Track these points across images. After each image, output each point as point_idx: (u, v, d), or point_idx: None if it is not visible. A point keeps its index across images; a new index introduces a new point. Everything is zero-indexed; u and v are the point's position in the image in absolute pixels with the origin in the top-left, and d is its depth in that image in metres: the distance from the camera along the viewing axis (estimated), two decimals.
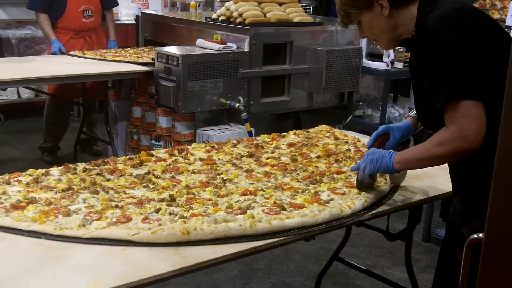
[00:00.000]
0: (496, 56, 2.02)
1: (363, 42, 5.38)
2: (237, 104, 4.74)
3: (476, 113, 2.00)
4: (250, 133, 4.70)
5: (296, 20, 5.14)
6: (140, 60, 5.15)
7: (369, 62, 5.34)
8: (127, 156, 2.94)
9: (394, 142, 2.59)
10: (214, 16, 5.23)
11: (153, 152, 3.02)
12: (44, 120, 5.86)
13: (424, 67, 2.15)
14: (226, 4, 5.14)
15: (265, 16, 5.01)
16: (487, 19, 2.13)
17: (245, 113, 4.73)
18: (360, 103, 5.65)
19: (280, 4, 5.22)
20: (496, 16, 5.83)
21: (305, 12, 5.58)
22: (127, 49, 5.73)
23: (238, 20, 4.93)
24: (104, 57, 5.28)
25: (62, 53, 5.49)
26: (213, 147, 3.13)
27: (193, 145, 3.17)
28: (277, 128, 5.54)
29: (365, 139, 3.26)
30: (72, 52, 5.44)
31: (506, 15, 5.64)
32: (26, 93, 7.06)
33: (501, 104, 1.73)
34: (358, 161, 2.50)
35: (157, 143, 5.07)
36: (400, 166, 2.31)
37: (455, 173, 2.31)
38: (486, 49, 2.03)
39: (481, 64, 2.01)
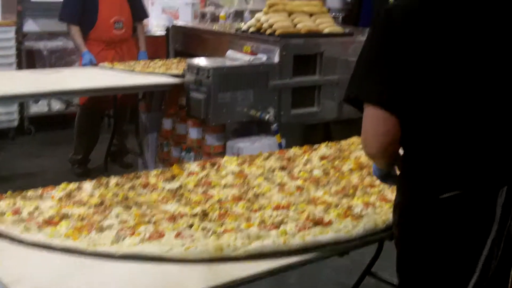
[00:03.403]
0: (433, 65, 1.87)
1: None
2: (267, 115, 4.72)
3: (376, 117, 1.91)
4: (280, 145, 4.68)
5: (326, 31, 5.11)
6: (169, 72, 5.16)
7: None
8: (159, 170, 2.94)
9: None
10: (244, 27, 5.22)
11: (185, 166, 3.01)
12: (74, 132, 5.89)
13: None
14: (256, 15, 5.13)
15: (295, 27, 4.99)
16: (432, 24, 1.89)
17: (275, 125, 4.71)
18: None
19: (310, 15, 5.20)
20: None
21: (334, 21, 5.56)
22: (156, 60, 5.74)
23: (268, 31, 4.92)
24: (134, 68, 5.30)
25: (93, 64, 5.52)
26: (245, 160, 3.12)
27: (225, 158, 3.17)
28: (307, 139, 5.50)
29: None
30: (101, 64, 5.47)
31: None
32: (56, 105, 7.11)
33: (431, 112, 1.86)
34: None
35: (188, 154, 5.06)
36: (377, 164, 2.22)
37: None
38: (406, 53, 1.87)
39: (396, 70, 1.88)
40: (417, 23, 1.88)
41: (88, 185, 2.69)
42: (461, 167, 1.93)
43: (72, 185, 2.67)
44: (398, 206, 2.08)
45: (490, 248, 1.93)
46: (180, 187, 2.68)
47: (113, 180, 2.75)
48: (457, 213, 1.93)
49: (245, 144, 4.67)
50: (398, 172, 2.17)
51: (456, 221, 1.94)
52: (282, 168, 3.00)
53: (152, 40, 6.72)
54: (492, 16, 1.92)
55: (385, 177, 2.24)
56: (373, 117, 1.93)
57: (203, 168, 2.97)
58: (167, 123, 5.32)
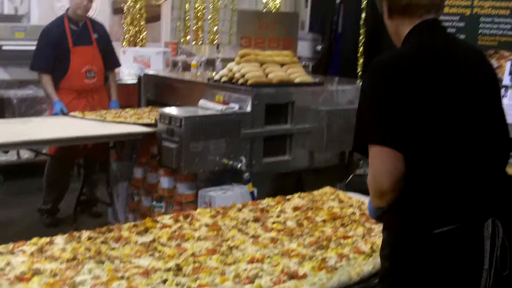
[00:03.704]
0: (422, 110, 2.06)
1: None
2: (239, 164, 4.72)
3: (384, 155, 2.07)
4: (252, 194, 4.67)
5: (297, 80, 5.16)
6: (140, 121, 5.15)
7: None
8: (132, 223, 2.91)
9: None
10: (216, 76, 5.25)
11: (158, 218, 2.99)
12: (44, 181, 5.82)
13: None
14: (228, 65, 5.17)
15: (267, 76, 5.04)
16: (423, 73, 2.11)
17: (247, 174, 4.71)
18: (361, 162, 5.64)
19: (282, 65, 5.25)
20: None
21: (305, 69, 5.62)
22: (127, 109, 5.73)
23: (241, 80, 4.95)
24: (105, 118, 5.28)
25: (64, 114, 5.50)
26: (218, 212, 3.11)
27: (198, 210, 3.16)
28: (278, 187, 5.51)
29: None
30: (72, 113, 5.44)
31: (502, 74, 5.70)
32: (26, 154, 7.04)
33: (426, 155, 2.05)
34: None
35: (159, 204, 5.03)
36: (373, 204, 2.29)
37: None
38: (398, 99, 2.06)
39: (392, 113, 2.06)
40: (408, 74, 2.09)
41: (60, 239, 2.65)
42: (450, 203, 2.09)
43: (44, 240, 2.63)
44: (390, 241, 2.18)
45: (486, 279, 2.07)
46: (153, 240, 2.66)
47: (85, 234, 2.72)
48: (450, 247, 2.06)
49: (217, 193, 4.65)
50: None
51: (449, 255, 2.06)
52: (256, 220, 3.00)
53: (124, 89, 6.72)
54: (466, 69, 2.18)
55: (381, 216, 2.32)
56: (384, 156, 2.07)
57: (176, 220, 2.96)
58: (138, 172, 5.29)
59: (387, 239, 2.20)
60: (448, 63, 2.15)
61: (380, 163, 2.08)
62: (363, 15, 7.75)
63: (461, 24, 6.11)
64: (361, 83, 2.20)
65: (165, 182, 4.93)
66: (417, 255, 2.08)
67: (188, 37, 10.33)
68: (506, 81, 5.45)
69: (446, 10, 6.11)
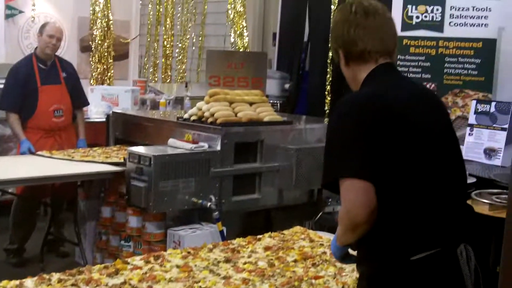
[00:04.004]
0: (388, 145, 2.14)
1: None
2: (208, 203, 4.72)
3: (358, 187, 2.10)
4: (221, 233, 4.66)
5: (266, 119, 5.20)
6: (108, 160, 5.14)
7: None
8: (102, 265, 2.89)
9: None
10: (185, 115, 5.27)
11: (129, 260, 2.97)
12: (10, 221, 5.76)
13: None
14: (198, 104, 5.19)
15: (236, 115, 5.07)
16: (390, 111, 2.20)
17: (216, 212, 4.71)
18: (330, 200, 5.67)
19: (251, 104, 5.30)
20: (458, 113, 6.00)
21: (273, 107, 5.66)
22: (95, 148, 5.72)
23: (210, 119, 4.98)
24: (72, 157, 5.26)
25: (31, 153, 5.46)
26: (189, 252, 3.10)
27: (169, 251, 3.15)
28: (247, 226, 5.51)
29: None
30: (39, 152, 5.41)
31: (467, 112, 5.81)
32: None
33: (397, 187, 2.12)
34: None
35: (127, 243, 4.99)
36: (339, 243, 2.33)
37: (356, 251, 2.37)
38: (365, 136, 2.13)
39: (361, 148, 2.13)
40: (373, 112, 2.17)
41: (29, 282, 2.62)
42: (424, 230, 2.16)
43: (13, 282, 2.60)
44: (366, 274, 2.24)
45: None
46: (124, 282, 2.65)
47: (55, 276, 2.69)
48: (428, 272, 2.13)
49: (186, 233, 4.63)
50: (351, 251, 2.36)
51: (428, 281, 2.14)
52: (227, 260, 3.00)
53: (92, 127, 6.70)
54: (424, 107, 2.32)
55: (345, 256, 2.40)
56: (358, 189, 2.10)
57: (147, 262, 2.94)
58: (106, 211, 5.25)
59: (363, 272, 2.25)
60: (408, 102, 2.26)
61: (354, 195, 2.10)
62: (330, 54, 7.86)
63: (427, 64, 6.22)
64: (328, 122, 2.27)
65: (133, 221, 4.89)
66: (396, 283, 2.14)
67: (156, 75, 10.38)
68: (471, 119, 5.56)
69: (412, 50, 6.23)
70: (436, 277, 2.14)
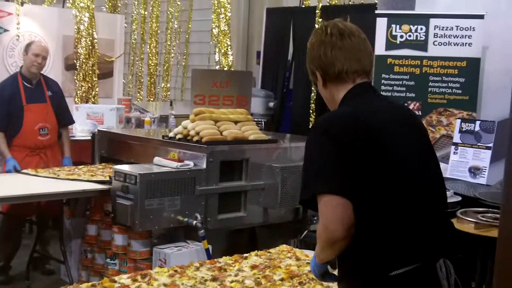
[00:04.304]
0: (366, 163, 2.18)
1: None
2: (194, 222, 4.73)
3: (335, 203, 2.13)
4: (207, 251, 4.68)
5: (251, 137, 5.24)
6: (94, 178, 5.14)
7: None
8: (90, 283, 2.90)
9: None
10: (171, 134, 5.29)
11: (116, 278, 2.98)
12: None
13: None
14: (183, 123, 5.22)
15: (221, 134, 5.10)
16: (368, 129, 2.24)
17: (202, 231, 4.72)
18: (315, 218, 5.69)
19: (236, 123, 5.33)
20: (442, 132, 6.06)
21: (258, 126, 5.69)
22: (80, 166, 5.73)
23: (195, 138, 5.00)
24: (58, 175, 5.26)
25: (17, 171, 5.46)
26: (176, 271, 3.12)
27: (156, 269, 3.16)
28: (233, 244, 5.52)
29: None
30: (25, 171, 5.41)
31: (452, 131, 5.87)
32: None
33: (374, 204, 2.16)
34: None
35: (112, 261, 4.99)
36: (318, 260, 2.37)
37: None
38: (343, 154, 2.17)
39: (339, 165, 2.16)
40: (352, 131, 2.22)
41: None
42: (403, 246, 2.19)
43: None
44: None
45: None
46: None
47: None
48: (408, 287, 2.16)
49: (172, 251, 4.65)
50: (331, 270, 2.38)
51: None
52: (214, 279, 3.01)
53: (77, 145, 6.70)
54: (402, 123, 2.38)
55: (325, 274, 2.42)
56: (336, 205, 2.13)
57: (134, 280, 2.95)
58: (91, 229, 5.26)
59: None
60: (386, 120, 2.31)
61: (331, 211, 2.13)
62: None
63: (411, 83, 6.28)
64: (306, 139, 2.29)
65: (119, 239, 4.90)
66: None
67: (141, 94, 10.39)
68: (456, 138, 5.61)
69: (396, 69, 6.29)
70: None
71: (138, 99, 10.16)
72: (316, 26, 8.07)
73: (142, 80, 10.49)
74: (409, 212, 2.22)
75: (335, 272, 2.38)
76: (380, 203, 2.18)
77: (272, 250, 3.56)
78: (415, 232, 2.21)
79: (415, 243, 2.20)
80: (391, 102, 2.58)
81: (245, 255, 3.45)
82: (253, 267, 3.23)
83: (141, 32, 10.46)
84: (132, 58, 10.69)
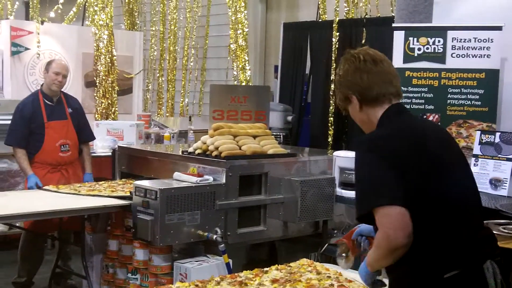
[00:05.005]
0: (415, 175, 2.37)
1: (336, 172, 5.51)
2: (214, 236, 4.75)
3: (394, 213, 2.30)
4: (228, 265, 4.69)
5: (270, 152, 5.26)
6: (114, 194, 5.18)
7: (342, 191, 5.45)
8: None
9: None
10: (190, 149, 5.33)
11: None
12: (18, 255, 5.80)
13: None
14: (202, 138, 5.25)
15: (240, 148, 5.12)
16: (412, 143, 2.45)
17: (222, 245, 4.73)
18: (335, 231, 5.69)
19: (255, 137, 5.35)
20: (462, 144, 6.03)
21: (276, 140, 5.71)
22: (101, 182, 5.78)
23: (214, 153, 5.03)
24: (79, 191, 5.31)
25: (38, 187, 5.51)
26: (197, 285, 3.13)
27: (177, 284, 3.18)
28: (253, 258, 5.53)
29: (347, 273, 3.29)
30: (46, 187, 5.46)
31: (472, 143, 5.85)
32: (0, 227, 6.99)
33: (426, 210, 2.33)
34: None
35: (134, 276, 5.01)
36: (370, 269, 2.56)
37: (388, 273, 2.57)
38: (393, 168, 2.35)
39: (392, 179, 2.34)
40: (399, 148, 2.43)
41: None
42: (454, 250, 2.37)
43: None
44: None
45: None
46: None
47: None
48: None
49: (193, 265, 4.66)
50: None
51: None
52: None
53: (97, 161, 6.77)
54: (438, 138, 2.59)
55: (375, 282, 2.62)
56: (394, 214, 2.30)
57: None
58: (112, 245, 5.29)
59: None
60: (425, 134, 2.53)
61: (392, 221, 2.29)
62: (332, 85, 7.94)
63: (430, 95, 6.27)
64: (355, 160, 2.47)
65: (140, 254, 4.93)
66: None
67: (160, 110, 10.46)
68: (476, 150, 5.58)
69: (414, 81, 6.28)
70: None
71: (159, 115, 10.24)
72: (334, 40, 8.10)
73: (163, 96, 10.56)
74: (458, 217, 2.41)
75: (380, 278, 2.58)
76: (432, 210, 2.37)
77: (292, 264, 3.57)
78: (464, 236, 2.41)
79: (465, 246, 2.39)
80: (424, 119, 2.82)
81: (265, 269, 3.46)
82: (273, 281, 3.24)
83: (160, 48, 10.55)
84: (150, 74, 10.79)
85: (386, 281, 2.60)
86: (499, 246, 2.58)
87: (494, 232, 4.05)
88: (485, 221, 4.33)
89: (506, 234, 4.01)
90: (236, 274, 3.43)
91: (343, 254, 2.79)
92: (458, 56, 6.20)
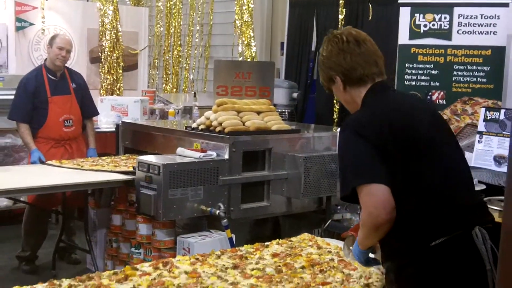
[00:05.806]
0: (398, 150, 2.41)
1: None
2: (217, 211, 4.75)
3: (375, 191, 2.34)
4: (230, 240, 4.70)
5: (274, 128, 5.24)
6: (117, 169, 5.18)
7: None
8: (112, 271, 2.93)
9: None
10: (194, 125, 5.31)
11: (138, 266, 3.01)
12: (22, 229, 5.83)
13: None
14: (206, 113, 5.23)
15: (244, 124, 5.11)
16: (395, 120, 2.48)
17: (225, 220, 4.74)
18: (339, 207, 5.69)
19: (259, 113, 5.33)
20: (467, 121, 6.01)
21: (281, 116, 5.68)
22: (104, 157, 5.78)
23: (218, 129, 5.02)
24: (82, 166, 5.31)
25: (42, 162, 5.52)
26: (197, 259, 3.14)
27: (178, 257, 3.18)
28: (256, 233, 5.54)
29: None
30: (49, 162, 5.46)
31: (477, 120, 5.82)
32: (4, 202, 7.01)
33: (409, 183, 2.38)
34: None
35: (137, 250, 5.03)
36: (361, 247, 2.59)
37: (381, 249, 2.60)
38: (374, 146, 2.39)
39: (370, 157, 2.39)
40: (381, 126, 2.45)
41: None
42: (440, 219, 2.40)
43: None
44: (392, 268, 2.49)
45: (491, 278, 2.36)
46: None
47: (66, 282, 2.73)
48: (449, 255, 2.37)
49: (196, 240, 4.67)
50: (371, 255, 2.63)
51: (450, 263, 2.37)
52: (235, 267, 3.02)
53: (101, 136, 6.76)
54: (421, 111, 2.63)
55: (368, 259, 2.65)
56: (375, 192, 2.34)
57: (155, 268, 2.98)
58: (116, 219, 5.30)
59: (389, 267, 2.52)
60: (409, 110, 2.59)
61: (374, 198, 2.33)
62: None
63: (435, 72, 6.24)
64: (338, 141, 2.52)
65: (143, 229, 4.94)
66: (420, 269, 2.38)
67: (165, 86, 10.43)
68: (480, 127, 5.55)
69: (420, 58, 6.26)
70: (456, 259, 2.37)
71: (165, 91, 10.21)
72: (340, 16, 8.05)
73: (169, 72, 10.52)
74: (443, 187, 2.44)
75: (375, 256, 2.61)
76: (416, 182, 2.41)
77: (293, 239, 3.57)
78: (450, 204, 2.43)
79: (450, 214, 2.40)
80: (407, 94, 2.95)
81: (266, 243, 3.46)
82: (274, 255, 3.24)
83: (166, 24, 10.50)
84: (155, 50, 10.75)
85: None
86: (490, 213, 2.57)
87: (497, 208, 4.07)
88: (488, 198, 4.35)
89: None
90: (237, 248, 3.44)
91: (351, 247, 2.77)
92: (464, 32, 6.17)
